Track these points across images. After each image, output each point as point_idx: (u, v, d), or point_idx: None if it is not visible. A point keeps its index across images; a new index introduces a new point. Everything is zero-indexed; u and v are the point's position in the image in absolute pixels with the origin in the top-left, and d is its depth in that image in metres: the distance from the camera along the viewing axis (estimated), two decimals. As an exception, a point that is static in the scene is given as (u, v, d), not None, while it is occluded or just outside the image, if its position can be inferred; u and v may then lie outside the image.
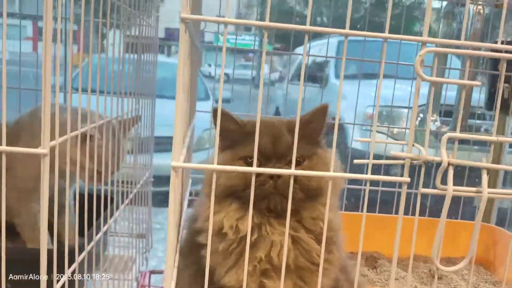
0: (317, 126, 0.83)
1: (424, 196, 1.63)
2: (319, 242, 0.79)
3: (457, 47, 0.65)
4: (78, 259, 0.85)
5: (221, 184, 0.79)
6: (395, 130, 4.03)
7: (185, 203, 0.67)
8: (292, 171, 0.64)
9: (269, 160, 0.78)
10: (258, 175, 0.75)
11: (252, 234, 0.76)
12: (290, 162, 0.74)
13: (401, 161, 0.67)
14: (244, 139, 0.81)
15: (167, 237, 0.66)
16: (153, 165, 1.65)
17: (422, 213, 1.62)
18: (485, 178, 0.67)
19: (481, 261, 1.52)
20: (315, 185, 0.79)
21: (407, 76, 1.99)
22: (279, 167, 0.78)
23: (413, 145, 0.66)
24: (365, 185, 0.68)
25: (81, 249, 0.93)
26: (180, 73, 0.62)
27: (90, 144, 1.07)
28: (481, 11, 1.64)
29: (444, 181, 0.66)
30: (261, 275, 0.79)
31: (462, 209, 1.62)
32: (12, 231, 1.23)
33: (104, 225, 1.19)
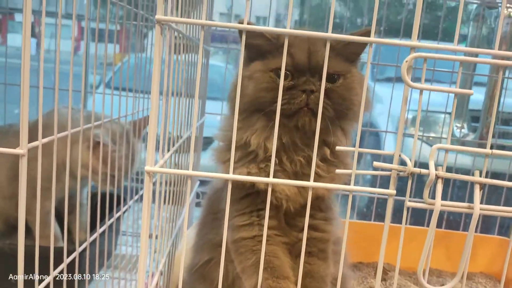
0: (357, 48, 0.78)
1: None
2: (322, 160, 0.77)
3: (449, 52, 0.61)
4: (66, 260, 0.84)
5: (248, 95, 0.74)
6: (431, 136, 3.92)
7: (188, 205, 0.65)
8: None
9: (302, 73, 0.72)
10: (289, 88, 0.72)
11: (277, 155, 0.74)
12: (328, 79, 0.73)
13: (387, 173, 0.64)
14: (276, 51, 0.75)
15: (140, 245, 0.65)
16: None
17: (438, 225, 1.55)
18: (477, 193, 0.62)
19: (499, 277, 1.45)
20: (348, 103, 0.75)
21: (444, 80, 1.93)
22: (312, 82, 0.73)
23: (400, 155, 0.63)
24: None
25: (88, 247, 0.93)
26: (155, 75, 0.60)
27: (103, 150, 1.09)
28: (511, 14, 1.57)
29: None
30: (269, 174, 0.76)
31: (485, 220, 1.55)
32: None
33: (110, 225, 1.21)
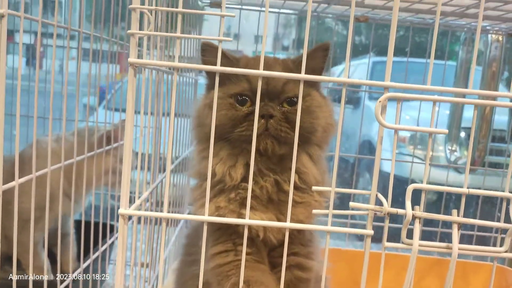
0: (316, 66, 0.76)
1: (433, 234, 1.57)
2: (297, 188, 0.76)
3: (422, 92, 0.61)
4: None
5: (209, 124, 0.72)
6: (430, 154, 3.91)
7: (163, 248, 0.64)
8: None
9: (261, 99, 0.70)
10: (248, 114, 0.72)
11: (242, 181, 0.74)
12: (284, 101, 0.73)
13: (364, 212, 0.63)
14: (235, 76, 0.75)
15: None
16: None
17: (430, 252, 1.53)
18: (455, 233, 0.61)
19: (494, 305, 1.43)
20: (308, 126, 0.74)
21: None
22: (271, 106, 0.72)
23: (376, 195, 0.62)
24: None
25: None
26: (129, 118, 0.60)
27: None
28: (500, 38, 1.57)
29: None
30: (240, 204, 0.74)
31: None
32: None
33: (100, 253, 1.20)
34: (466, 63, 1.76)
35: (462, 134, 2.30)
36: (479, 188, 1.72)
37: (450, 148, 1.81)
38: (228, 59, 0.76)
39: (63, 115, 0.90)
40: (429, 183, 0.62)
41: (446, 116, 1.88)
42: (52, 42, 0.83)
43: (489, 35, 1.58)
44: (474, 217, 0.63)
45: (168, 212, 0.62)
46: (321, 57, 0.77)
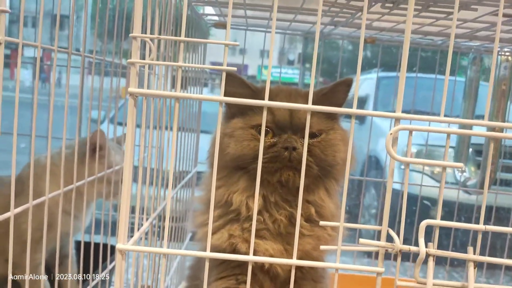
0: (338, 100, 0.77)
1: (444, 259, 1.53)
2: (307, 220, 0.75)
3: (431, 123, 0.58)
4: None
5: (229, 153, 0.73)
6: (436, 170, 3.86)
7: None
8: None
9: (284, 131, 0.72)
10: (271, 145, 0.72)
11: (259, 213, 0.72)
12: (309, 135, 0.70)
13: (374, 249, 0.60)
14: (257, 107, 0.74)
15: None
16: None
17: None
18: (471, 271, 0.58)
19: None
20: (330, 159, 0.74)
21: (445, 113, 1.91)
22: (294, 139, 0.72)
23: (387, 231, 0.59)
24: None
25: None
26: (128, 146, 0.58)
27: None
28: (509, 58, 1.55)
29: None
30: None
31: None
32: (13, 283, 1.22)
33: (100, 280, 1.17)
34: (475, 81, 1.74)
35: (470, 150, 2.27)
36: (491, 206, 1.69)
37: (459, 169, 1.78)
38: (249, 89, 0.75)
39: (63, 132, 0.88)
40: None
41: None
42: (60, 55, 0.82)
43: (498, 56, 1.56)
44: (485, 241, 0.60)
45: (170, 232, 0.59)
46: (343, 92, 0.78)
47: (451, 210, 1.73)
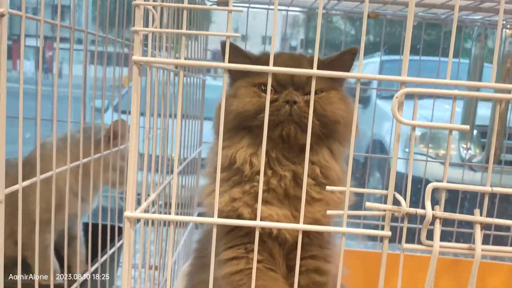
0: (342, 68, 0.77)
1: (449, 233, 1.54)
2: (317, 183, 0.75)
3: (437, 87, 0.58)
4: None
5: (232, 111, 0.74)
6: (441, 152, 3.85)
7: (172, 252, 0.62)
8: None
9: (285, 88, 0.73)
10: (273, 100, 0.72)
11: (259, 173, 0.72)
12: (308, 93, 0.72)
13: (380, 213, 0.60)
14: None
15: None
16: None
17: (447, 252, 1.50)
18: (478, 233, 0.59)
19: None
20: (330, 114, 0.74)
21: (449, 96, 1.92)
22: (296, 94, 0.73)
23: (394, 195, 0.59)
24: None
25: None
26: (133, 119, 0.58)
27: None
28: (515, 33, 1.54)
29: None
30: (255, 198, 0.72)
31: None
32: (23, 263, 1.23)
33: (109, 256, 1.18)
34: (479, 60, 1.72)
35: (475, 132, 2.26)
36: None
37: (464, 146, 1.77)
38: (247, 58, 0.77)
39: (68, 116, 0.88)
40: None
41: (459, 114, 1.85)
42: (63, 45, 0.82)
43: (504, 30, 1.54)
44: (491, 216, 0.60)
45: (176, 214, 0.59)
46: (348, 60, 0.78)
47: (456, 190, 1.73)
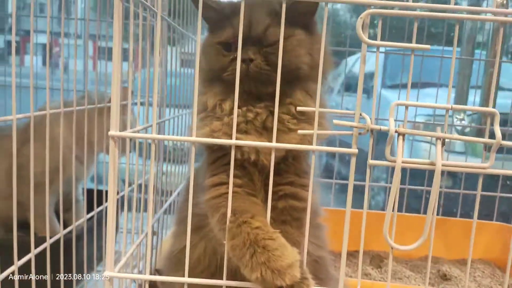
0: (303, 9, 0.78)
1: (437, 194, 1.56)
2: (294, 117, 0.78)
3: (404, 8, 0.62)
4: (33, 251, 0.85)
5: (203, 68, 0.80)
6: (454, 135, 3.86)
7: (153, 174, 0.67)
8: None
9: (243, 44, 0.70)
10: (232, 60, 0.77)
11: (239, 107, 0.76)
12: (266, 46, 0.76)
13: (348, 132, 0.64)
14: (222, 23, 0.80)
15: (108, 214, 0.66)
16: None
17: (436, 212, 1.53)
18: (439, 149, 0.62)
19: (498, 263, 1.42)
20: (286, 63, 0.73)
21: (446, 82, 1.96)
22: (252, 51, 0.76)
23: (360, 114, 0.63)
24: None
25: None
26: (115, 42, 0.62)
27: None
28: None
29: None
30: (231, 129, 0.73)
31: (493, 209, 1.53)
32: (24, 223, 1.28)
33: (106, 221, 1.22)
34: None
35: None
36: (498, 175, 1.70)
37: (458, 117, 1.80)
38: (213, 9, 0.80)
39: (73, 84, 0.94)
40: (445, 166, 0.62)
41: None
42: (68, 41, 0.86)
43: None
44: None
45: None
46: (310, 5, 0.77)
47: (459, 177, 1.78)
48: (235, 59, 0.75)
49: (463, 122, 1.78)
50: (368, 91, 4.50)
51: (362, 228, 0.67)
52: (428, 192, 1.66)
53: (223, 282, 0.66)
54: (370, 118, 0.62)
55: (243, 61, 0.74)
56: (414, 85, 2.14)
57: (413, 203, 1.73)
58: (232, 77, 0.73)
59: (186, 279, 0.67)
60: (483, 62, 1.69)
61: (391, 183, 0.63)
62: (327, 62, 0.79)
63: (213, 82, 0.81)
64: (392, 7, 0.61)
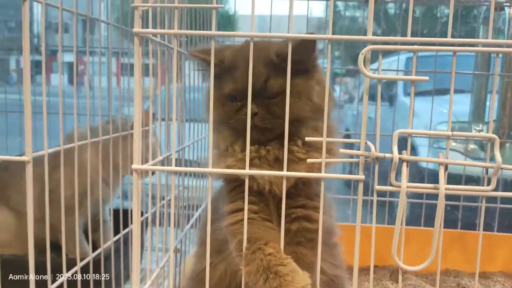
0: (300, 57, 0.77)
1: (456, 207, 1.58)
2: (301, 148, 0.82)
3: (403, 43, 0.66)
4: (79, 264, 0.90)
5: (214, 117, 0.83)
6: (470, 147, 3.83)
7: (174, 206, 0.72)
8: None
9: (246, 96, 0.74)
10: (238, 110, 0.81)
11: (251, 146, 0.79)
12: (268, 97, 0.80)
13: (355, 160, 0.68)
14: (224, 75, 0.83)
15: (133, 238, 0.71)
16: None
17: (454, 225, 1.54)
18: (442, 174, 0.65)
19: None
20: (291, 116, 0.73)
21: (465, 88, 1.95)
22: (257, 103, 0.79)
23: (366, 143, 0.66)
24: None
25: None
26: (136, 84, 0.68)
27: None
28: (518, 14, 1.57)
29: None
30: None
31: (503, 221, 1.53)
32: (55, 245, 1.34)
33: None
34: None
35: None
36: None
37: (476, 128, 1.81)
38: (215, 64, 0.79)
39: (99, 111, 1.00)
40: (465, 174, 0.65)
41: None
42: (93, 59, 0.92)
43: (508, 10, 1.58)
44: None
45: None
46: (305, 50, 0.80)
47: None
48: (239, 109, 0.81)
49: (481, 132, 1.79)
50: (391, 99, 4.50)
51: (372, 244, 0.70)
52: (449, 205, 1.67)
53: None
54: (375, 147, 0.66)
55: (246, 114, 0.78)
56: (444, 92, 2.13)
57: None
58: (239, 125, 0.78)
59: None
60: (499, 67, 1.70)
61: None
62: (330, 101, 0.81)
63: (221, 126, 0.85)
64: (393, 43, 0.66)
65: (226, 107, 0.83)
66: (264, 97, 0.80)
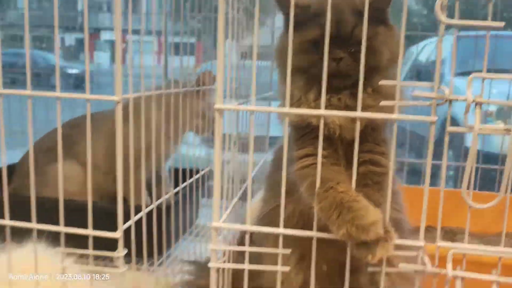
0: (380, 5, 0.84)
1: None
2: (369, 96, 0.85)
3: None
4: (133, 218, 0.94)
5: (281, 65, 0.89)
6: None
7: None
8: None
9: (332, 42, 0.77)
10: (321, 58, 0.78)
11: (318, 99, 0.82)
12: (353, 45, 0.83)
13: (426, 103, 0.71)
14: (309, 21, 0.86)
15: (215, 170, 0.76)
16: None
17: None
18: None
19: None
20: (372, 63, 0.81)
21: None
22: (340, 52, 0.83)
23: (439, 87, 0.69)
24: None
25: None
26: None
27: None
28: None
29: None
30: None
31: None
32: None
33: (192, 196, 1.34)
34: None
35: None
36: None
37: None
38: (297, 6, 0.80)
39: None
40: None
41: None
42: (135, 38, 0.97)
43: None
44: None
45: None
46: None
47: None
48: (322, 57, 0.80)
49: None
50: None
51: (442, 183, 0.73)
52: (502, 173, 1.67)
53: (314, 233, 0.75)
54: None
55: (333, 59, 0.82)
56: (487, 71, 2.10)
57: (486, 184, 1.74)
58: (321, 73, 0.77)
59: (281, 230, 0.76)
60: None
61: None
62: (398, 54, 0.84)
63: (297, 75, 0.86)
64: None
65: (309, 54, 0.86)
66: (350, 44, 0.83)
